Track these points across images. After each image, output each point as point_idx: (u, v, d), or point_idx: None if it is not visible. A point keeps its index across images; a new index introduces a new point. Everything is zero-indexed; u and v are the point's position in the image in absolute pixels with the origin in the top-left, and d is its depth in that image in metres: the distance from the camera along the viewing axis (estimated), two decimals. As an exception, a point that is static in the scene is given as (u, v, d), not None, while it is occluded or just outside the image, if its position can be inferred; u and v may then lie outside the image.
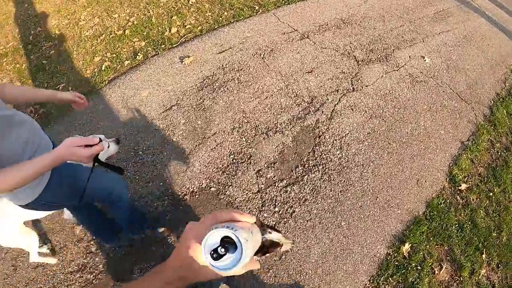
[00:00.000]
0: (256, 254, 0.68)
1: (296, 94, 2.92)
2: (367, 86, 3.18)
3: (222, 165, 2.50)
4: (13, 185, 0.93)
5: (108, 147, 1.59)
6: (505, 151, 3.14)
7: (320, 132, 2.67)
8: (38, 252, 1.80)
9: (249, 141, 2.61)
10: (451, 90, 3.53)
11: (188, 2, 4.14)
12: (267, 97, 2.86)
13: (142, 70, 3.22)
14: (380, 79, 3.30)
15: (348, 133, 2.70)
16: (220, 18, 3.84)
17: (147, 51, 3.46)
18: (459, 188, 2.68)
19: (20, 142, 1.07)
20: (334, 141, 2.63)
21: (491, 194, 2.72)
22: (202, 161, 2.52)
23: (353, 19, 4.03)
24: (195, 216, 2.24)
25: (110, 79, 3.22)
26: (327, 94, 2.98)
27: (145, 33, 3.68)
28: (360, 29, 3.90)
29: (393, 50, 3.74)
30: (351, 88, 3.12)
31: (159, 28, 3.74)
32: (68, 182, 1.29)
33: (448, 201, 2.58)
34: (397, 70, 3.48)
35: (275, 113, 2.75)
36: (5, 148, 1.01)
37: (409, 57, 3.71)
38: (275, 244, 0.87)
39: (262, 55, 3.28)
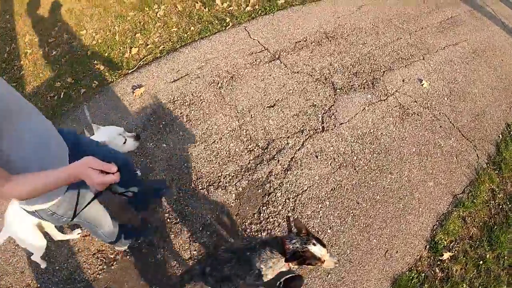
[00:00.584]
0: (289, 261, 1.06)
1: (250, 137, 2.45)
2: (341, 124, 2.66)
3: (157, 225, 2.14)
4: (24, 195, 0.90)
5: (125, 142, 1.52)
6: (508, 202, 2.58)
7: (272, 188, 2.22)
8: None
9: (187, 197, 2.21)
10: (451, 124, 2.94)
11: (156, 15, 3.68)
12: (215, 141, 2.41)
13: (94, 101, 2.81)
14: (360, 113, 2.77)
15: (306, 190, 2.23)
16: (185, 35, 3.37)
17: (103, 78, 3.07)
18: (440, 258, 2.19)
19: (34, 143, 1.00)
20: (287, 201, 2.17)
21: (481, 262, 2.22)
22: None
23: (339, 32, 3.45)
24: (122, 278, 1.91)
25: (64, 111, 2.87)
26: (288, 137, 2.50)
27: (106, 54, 3.28)
28: (346, 45, 3.33)
29: (384, 72, 3.16)
30: (321, 127, 2.61)
31: (121, 48, 3.33)
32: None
33: (423, 275, 2.10)
34: (384, 100, 2.92)
35: (220, 163, 2.31)
36: (16, 148, 0.94)
37: (403, 81, 3.13)
38: (316, 258, 1.05)
39: (219, 84, 2.81)
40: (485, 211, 2.50)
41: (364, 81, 3.01)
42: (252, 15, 3.62)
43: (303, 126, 2.58)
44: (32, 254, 1.78)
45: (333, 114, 2.70)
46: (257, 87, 2.84)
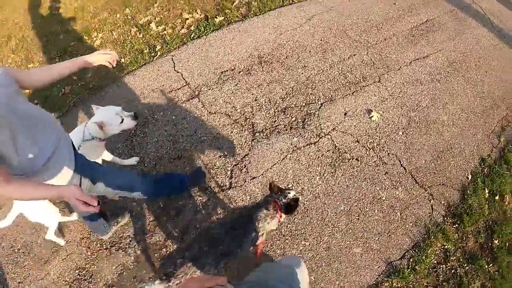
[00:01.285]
0: (289, 213, 1.51)
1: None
2: (253, 178, 2.22)
3: (69, 279, 1.93)
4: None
5: (122, 122, 1.61)
6: (465, 264, 2.08)
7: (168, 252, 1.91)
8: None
9: (94, 255, 1.98)
10: (402, 168, 2.41)
11: (94, 44, 3.33)
12: None
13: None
14: (279, 163, 2.30)
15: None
16: (114, 69, 3.02)
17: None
18: None
19: (43, 143, 1.13)
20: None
21: None
22: (56, 270, 1.97)
23: (276, 55, 2.94)
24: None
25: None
26: (191, 196, 2.12)
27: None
28: (282, 71, 2.83)
29: (322, 104, 2.64)
30: (228, 183, 2.20)
31: (54, 89, 3.03)
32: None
33: None
34: (314, 143, 2.43)
35: (123, 225, 2.04)
36: (26, 149, 1.06)
37: (345, 114, 2.60)
38: (297, 200, 1.51)
39: (132, 132, 2.45)
40: (430, 278, 2.02)
41: (293, 119, 2.52)
42: (184, 39, 3.19)
43: (208, 182, 2.19)
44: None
45: (245, 166, 2.27)
46: (168, 135, 2.46)
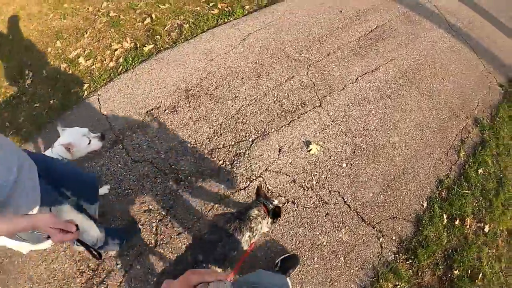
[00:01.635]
0: (275, 219, 1.52)
1: (82, 257, 1.85)
2: (179, 234, 1.95)
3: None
4: None
5: (89, 143, 1.59)
6: None
7: None
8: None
9: None
10: (345, 205, 2.14)
11: (25, 85, 3.03)
12: (52, 260, 1.85)
13: None
14: (203, 217, 2.03)
15: None
16: (44, 112, 2.72)
17: None
18: None
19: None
20: None
21: None
22: None
23: (205, 86, 2.65)
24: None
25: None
26: (118, 256, 1.86)
27: None
28: (210, 104, 2.53)
29: (253, 141, 2.34)
30: (153, 242, 1.92)
31: None
32: None
33: None
34: (244, 189, 2.13)
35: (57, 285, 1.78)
36: None
37: (279, 151, 2.32)
38: (280, 208, 1.53)
39: None
40: None
41: (221, 162, 2.24)
42: (112, 74, 2.91)
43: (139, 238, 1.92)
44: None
45: (170, 221, 2.00)
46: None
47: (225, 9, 3.33)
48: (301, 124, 2.44)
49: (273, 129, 2.40)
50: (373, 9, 3.35)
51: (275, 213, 1.51)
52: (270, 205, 1.51)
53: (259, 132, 2.38)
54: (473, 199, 2.35)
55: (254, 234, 1.42)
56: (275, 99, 2.56)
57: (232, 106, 2.51)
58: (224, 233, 1.35)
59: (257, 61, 2.80)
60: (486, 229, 2.25)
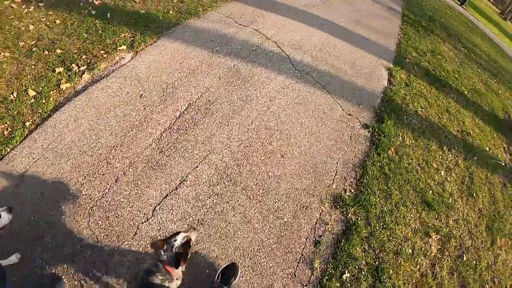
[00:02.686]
0: (178, 266, 1.27)
1: None
2: None
3: None
4: None
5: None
6: None
7: None
8: None
9: None
10: None
11: None
12: None
13: None
14: None
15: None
16: None
17: None
18: None
19: None
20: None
21: None
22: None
23: None
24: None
25: None
26: None
27: None
28: None
29: None
30: None
31: None
32: None
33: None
34: None
35: None
36: None
37: None
38: (188, 242, 1.32)
39: None
40: None
41: None
42: None
43: None
44: None
45: None
46: None
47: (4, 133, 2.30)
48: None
49: None
50: (187, 75, 2.58)
51: (176, 259, 1.31)
52: (170, 254, 1.31)
53: None
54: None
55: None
56: None
57: None
58: None
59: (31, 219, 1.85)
60: None
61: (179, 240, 1.33)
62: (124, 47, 2.92)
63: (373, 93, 3.27)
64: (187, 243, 1.33)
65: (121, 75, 2.62)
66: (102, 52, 2.86)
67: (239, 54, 2.97)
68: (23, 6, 3.48)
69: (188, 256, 1.36)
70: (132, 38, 3.03)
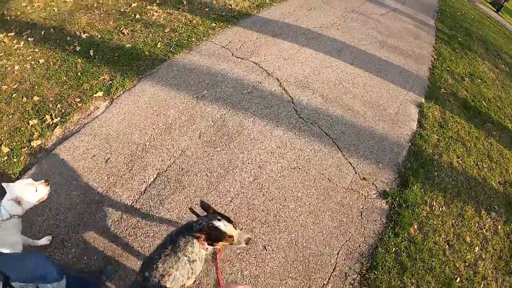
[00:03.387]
0: (197, 236, 1.23)
1: None
2: None
3: None
4: None
5: (36, 191, 1.53)
6: None
7: None
8: None
9: None
10: None
11: None
12: None
13: None
14: None
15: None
16: None
17: None
18: None
19: None
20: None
21: None
22: None
23: None
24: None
25: None
26: None
27: None
28: None
29: None
30: None
31: None
32: None
33: None
34: None
35: None
36: None
37: None
38: (221, 232, 1.23)
39: None
40: None
41: None
42: None
43: None
44: None
45: None
46: None
47: None
48: None
49: None
50: (162, 133, 2.17)
51: (203, 231, 1.26)
52: (203, 223, 1.26)
53: None
54: None
55: (192, 260, 1.28)
56: None
57: None
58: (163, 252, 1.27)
59: None
60: None
61: (217, 223, 1.25)
62: (100, 93, 2.60)
63: (397, 143, 2.65)
64: (217, 229, 1.25)
65: (91, 131, 2.28)
66: (77, 100, 2.55)
67: (230, 99, 2.51)
68: (15, 41, 3.31)
69: (215, 241, 1.27)
70: (111, 82, 2.69)
